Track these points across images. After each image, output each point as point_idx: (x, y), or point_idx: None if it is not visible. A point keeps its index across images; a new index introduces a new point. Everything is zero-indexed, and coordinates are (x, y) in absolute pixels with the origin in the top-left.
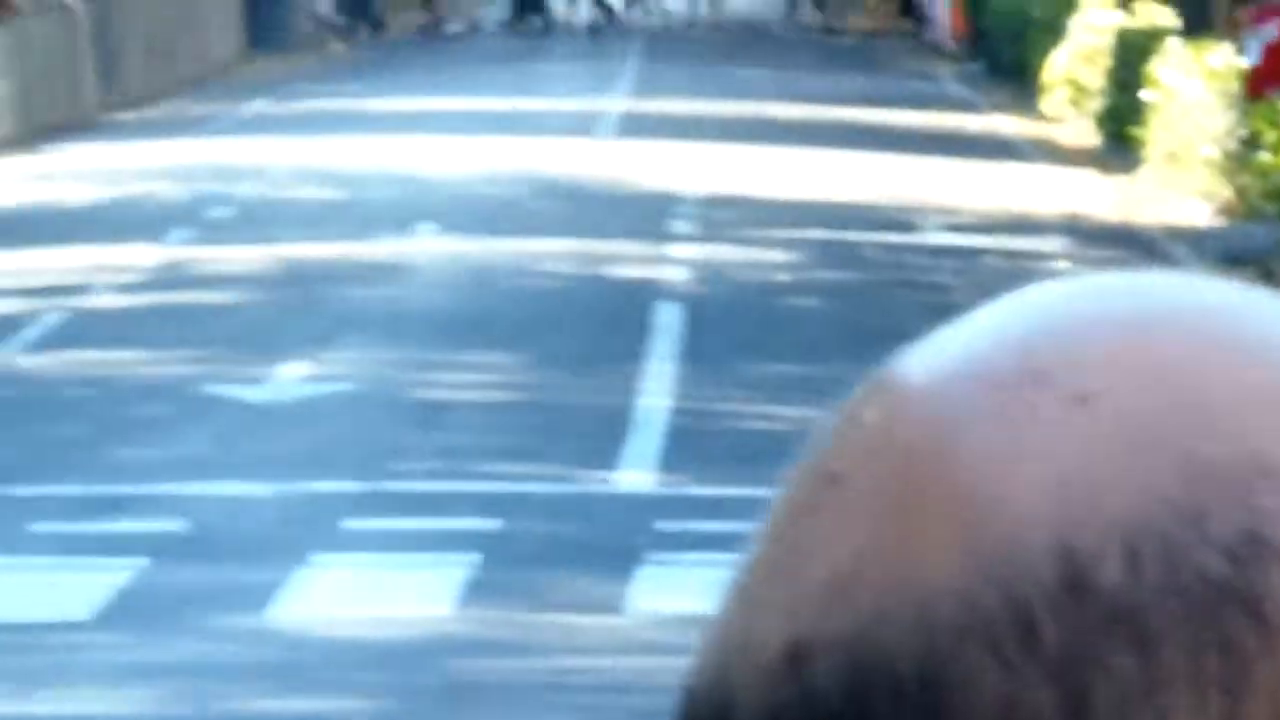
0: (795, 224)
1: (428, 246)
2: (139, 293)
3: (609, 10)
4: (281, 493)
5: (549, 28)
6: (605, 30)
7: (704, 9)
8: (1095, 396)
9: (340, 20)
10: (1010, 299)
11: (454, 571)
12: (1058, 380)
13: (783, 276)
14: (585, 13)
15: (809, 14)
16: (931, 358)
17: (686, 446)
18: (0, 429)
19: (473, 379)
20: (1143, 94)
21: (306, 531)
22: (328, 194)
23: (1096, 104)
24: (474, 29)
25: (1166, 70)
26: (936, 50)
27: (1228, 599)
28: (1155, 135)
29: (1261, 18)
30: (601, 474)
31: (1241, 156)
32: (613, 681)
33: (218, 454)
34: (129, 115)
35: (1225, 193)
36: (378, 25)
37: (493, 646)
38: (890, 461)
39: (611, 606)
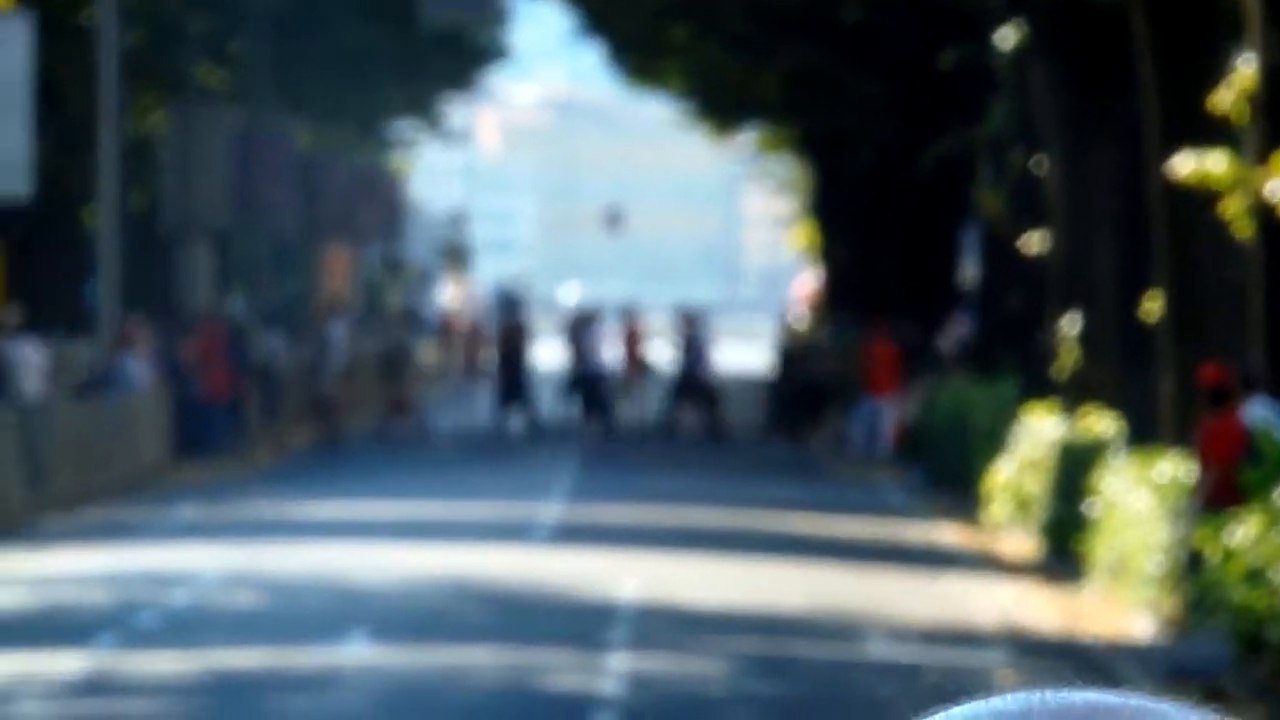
0: (731, 635)
1: (357, 656)
2: (65, 700)
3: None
4: None
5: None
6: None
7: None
8: None
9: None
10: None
11: None
12: None
13: (718, 690)
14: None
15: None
16: None
17: None
18: None
19: None
20: (1086, 505)
21: None
22: (257, 601)
23: (1039, 515)
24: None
25: (1110, 482)
26: (873, 457)
27: None
28: (1099, 547)
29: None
30: None
31: (1187, 570)
32: None
33: None
34: (55, 520)
35: (1171, 606)
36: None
37: None
38: None
39: None
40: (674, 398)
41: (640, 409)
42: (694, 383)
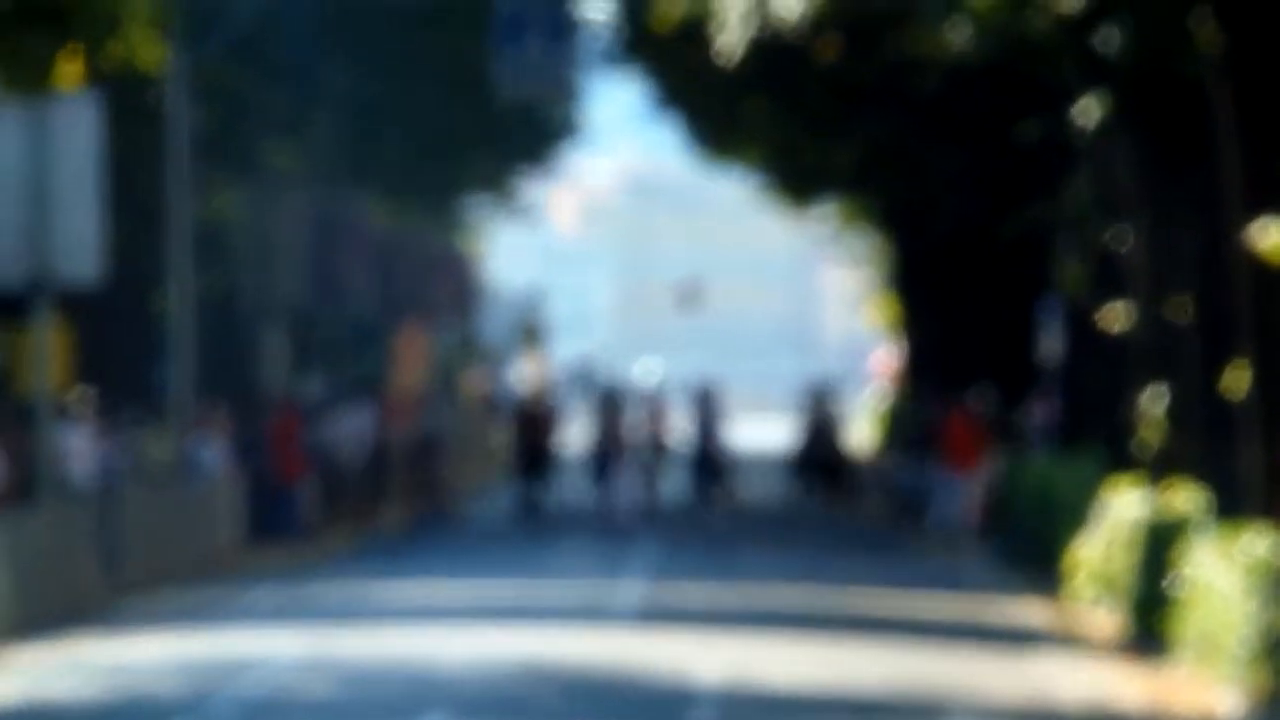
0: (814, 716)
1: None
2: None
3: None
4: None
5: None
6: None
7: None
8: None
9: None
10: None
11: None
12: None
13: None
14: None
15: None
16: None
17: None
18: None
19: None
20: (1171, 582)
21: None
22: (333, 686)
23: (1124, 592)
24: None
25: (1197, 557)
26: (954, 534)
27: None
28: (1185, 624)
29: None
30: None
31: (1275, 646)
32: None
33: None
34: (131, 604)
35: (1258, 683)
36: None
37: None
38: None
39: None
40: (693, 475)
41: (661, 487)
42: (708, 459)
